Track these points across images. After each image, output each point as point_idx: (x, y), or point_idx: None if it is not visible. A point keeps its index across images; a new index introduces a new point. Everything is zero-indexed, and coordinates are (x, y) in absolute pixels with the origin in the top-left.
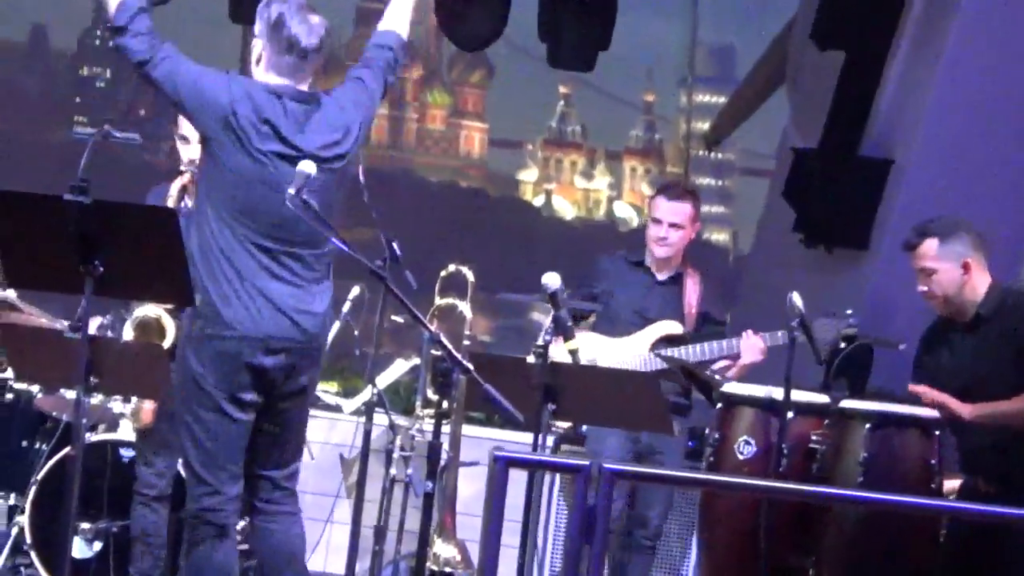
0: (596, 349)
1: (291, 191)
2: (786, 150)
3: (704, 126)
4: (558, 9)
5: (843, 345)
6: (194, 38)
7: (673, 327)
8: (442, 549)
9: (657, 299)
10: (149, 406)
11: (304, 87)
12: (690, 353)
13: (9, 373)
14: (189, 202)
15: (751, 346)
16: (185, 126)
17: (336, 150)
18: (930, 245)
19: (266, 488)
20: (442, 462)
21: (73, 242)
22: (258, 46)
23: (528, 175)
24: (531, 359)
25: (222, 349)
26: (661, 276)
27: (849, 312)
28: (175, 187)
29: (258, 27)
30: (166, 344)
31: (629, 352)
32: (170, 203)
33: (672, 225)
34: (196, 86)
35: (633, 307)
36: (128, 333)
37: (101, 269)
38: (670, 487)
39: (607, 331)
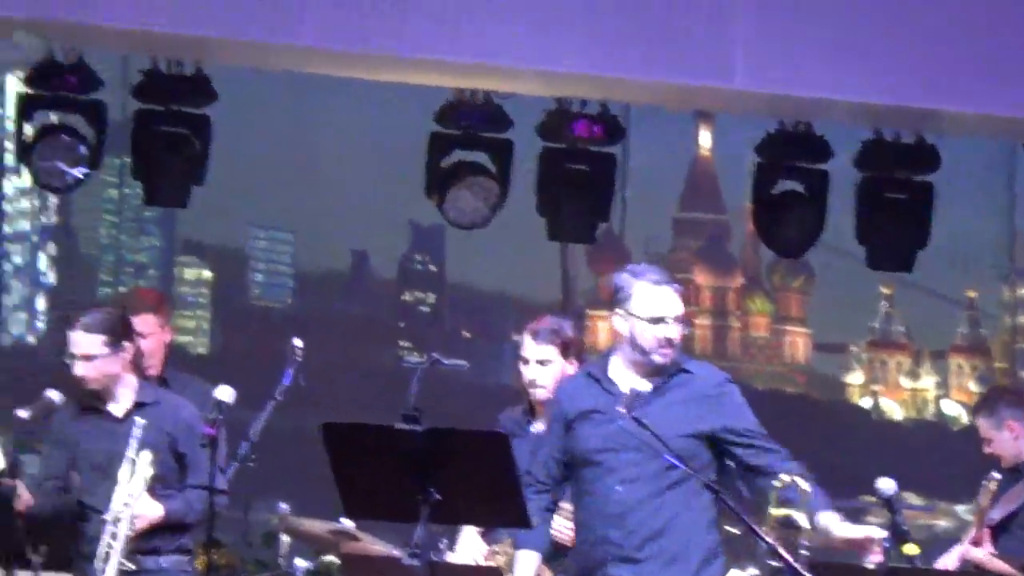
0: None
1: (621, 409)
2: None
3: None
4: (875, 212)
5: None
6: (512, 258)
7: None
8: None
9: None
10: None
11: None
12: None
13: None
14: (539, 426)
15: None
16: (528, 348)
17: None
18: None
19: None
20: None
21: (407, 470)
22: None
23: (854, 378)
24: (871, 564)
25: None
26: None
27: None
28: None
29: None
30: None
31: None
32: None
33: None
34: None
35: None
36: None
37: (437, 496)
38: None
39: None
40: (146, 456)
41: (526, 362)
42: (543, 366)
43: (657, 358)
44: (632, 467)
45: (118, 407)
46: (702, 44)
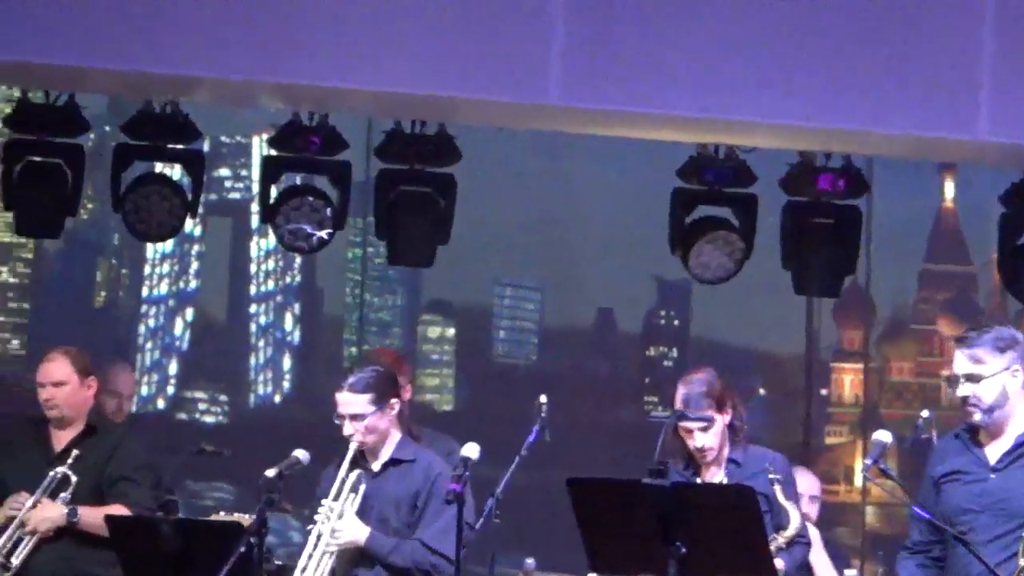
0: None
1: (867, 460)
2: None
3: None
4: None
5: None
6: (756, 312)
7: None
8: None
9: None
10: None
11: None
12: None
13: None
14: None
15: None
16: (688, 422)
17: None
18: None
19: None
20: None
21: (654, 524)
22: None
23: None
24: None
25: None
26: None
27: None
28: None
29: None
30: None
31: None
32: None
33: None
34: None
35: None
36: None
37: (683, 550)
38: None
39: None
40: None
41: (689, 432)
42: (706, 432)
43: (967, 416)
44: (988, 530)
45: (376, 462)
46: (946, 96)
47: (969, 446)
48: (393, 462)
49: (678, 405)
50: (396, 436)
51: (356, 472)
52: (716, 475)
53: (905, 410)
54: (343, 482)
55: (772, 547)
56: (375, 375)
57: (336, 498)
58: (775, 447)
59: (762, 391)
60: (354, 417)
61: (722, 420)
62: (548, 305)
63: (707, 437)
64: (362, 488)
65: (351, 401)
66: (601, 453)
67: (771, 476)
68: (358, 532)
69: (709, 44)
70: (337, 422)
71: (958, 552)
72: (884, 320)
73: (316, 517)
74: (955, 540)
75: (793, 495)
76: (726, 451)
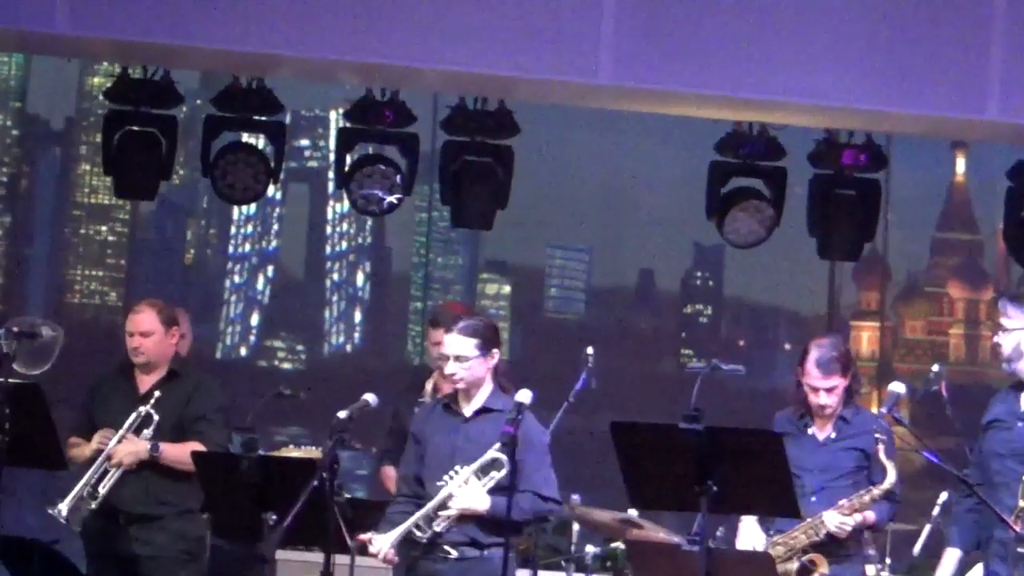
0: None
1: (883, 409)
2: None
3: None
4: None
5: None
6: (784, 274)
7: None
8: None
9: None
10: None
11: None
12: None
13: None
14: (815, 429)
15: None
16: (818, 380)
17: None
18: None
19: None
20: None
21: (688, 465)
22: None
23: None
24: None
25: None
26: None
27: None
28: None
29: None
30: None
31: None
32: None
33: None
34: None
35: None
36: None
37: (715, 488)
38: None
39: None
40: (494, 454)
41: (816, 391)
42: (831, 393)
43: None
44: (1011, 473)
45: (468, 408)
46: (958, 79)
47: (1011, 396)
48: (485, 410)
49: (810, 365)
50: (489, 386)
51: (501, 453)
52: (827, 429)
53: (916, 364)
54: (492, 460)
55: (867, 498)
56: (483, 324)
57: (473, 471)
58: None
59: (787, 346)
60: (458, 358)
61: (843, 383)
62: (595, 266)
63: (831, 398)
64: (505, 468)
65: (459, 343)
66: (642, 400)
67: (877, 436)
68: (479, 504)
69: (745, 30)
70: (440, 363)
71: (997, 494)
72: (899, 283)
73: (445, 477)
74: (990, 482)
75: (893, 455)
76: (839, 409)
